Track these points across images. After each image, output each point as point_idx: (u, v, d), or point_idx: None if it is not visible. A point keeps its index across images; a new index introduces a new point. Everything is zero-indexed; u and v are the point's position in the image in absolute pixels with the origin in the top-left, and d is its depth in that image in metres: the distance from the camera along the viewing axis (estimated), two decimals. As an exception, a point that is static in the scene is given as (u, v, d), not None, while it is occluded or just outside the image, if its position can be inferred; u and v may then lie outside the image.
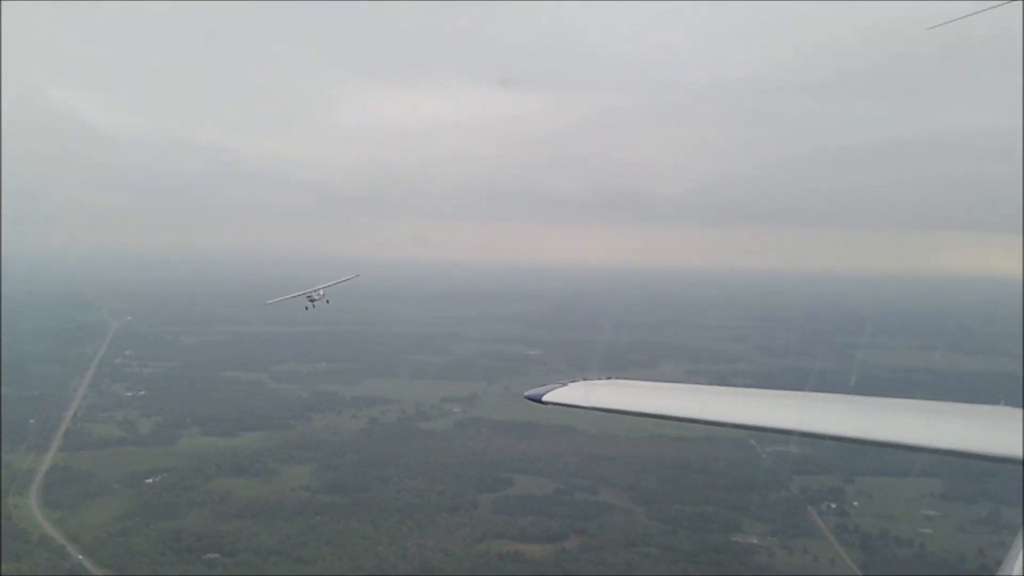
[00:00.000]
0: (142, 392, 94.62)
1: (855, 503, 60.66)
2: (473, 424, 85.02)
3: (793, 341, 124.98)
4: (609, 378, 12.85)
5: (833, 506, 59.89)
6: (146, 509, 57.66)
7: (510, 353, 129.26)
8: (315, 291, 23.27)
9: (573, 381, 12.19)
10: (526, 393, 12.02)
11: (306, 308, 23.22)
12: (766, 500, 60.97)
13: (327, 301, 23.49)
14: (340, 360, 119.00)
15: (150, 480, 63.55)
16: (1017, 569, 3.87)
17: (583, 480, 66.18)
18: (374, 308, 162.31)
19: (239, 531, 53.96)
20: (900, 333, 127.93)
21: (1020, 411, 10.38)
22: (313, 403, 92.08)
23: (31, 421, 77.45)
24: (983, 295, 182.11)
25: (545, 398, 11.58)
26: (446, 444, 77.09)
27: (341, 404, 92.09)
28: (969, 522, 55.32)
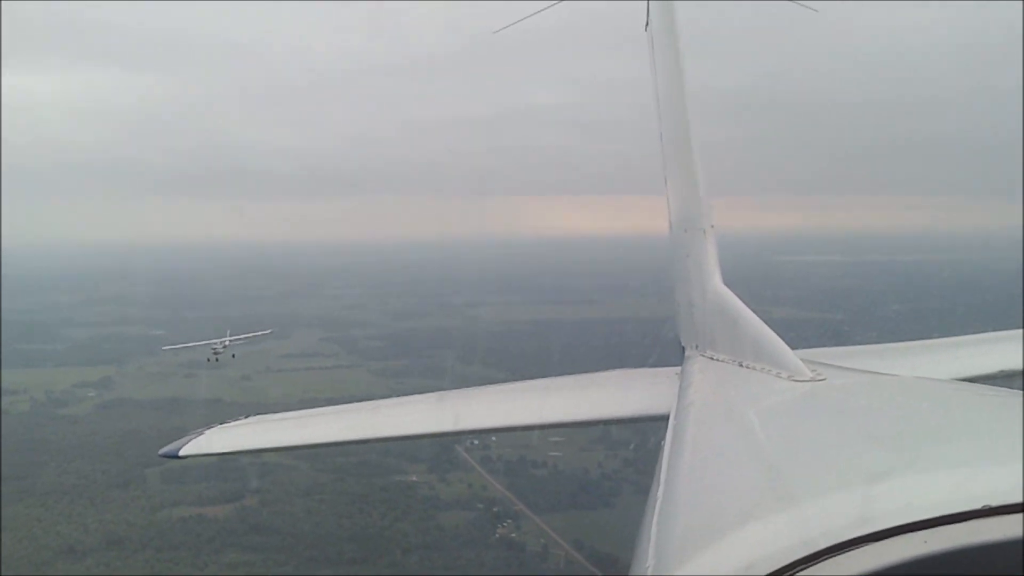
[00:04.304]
0: None
1: (491, 438, 68.87)
2: (116, 405, 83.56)
3: (411, 304, 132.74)
4: (247, 416, 12.55)
5: (476, 442, 67.66)
6: None
7: (133, 335, 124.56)
8: (220, 343, 22.52)
9: (208, 427, 11.75)
10: (160, 451, 11.66)
11: (208, 360, 22.59)
12: (418, 445, 67.10)
13: (233, 355, 22.70)
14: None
15: None
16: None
17: (244, 446, 68.80)
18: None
19: None
20: (506, 291, 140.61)
21: (642, 370, 11.96)
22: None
23: None
24: (568, 251, 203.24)
25: (183, 452, 11.16)
26: (93, 427, 75.58)
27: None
28: (587, 442, 64.46)
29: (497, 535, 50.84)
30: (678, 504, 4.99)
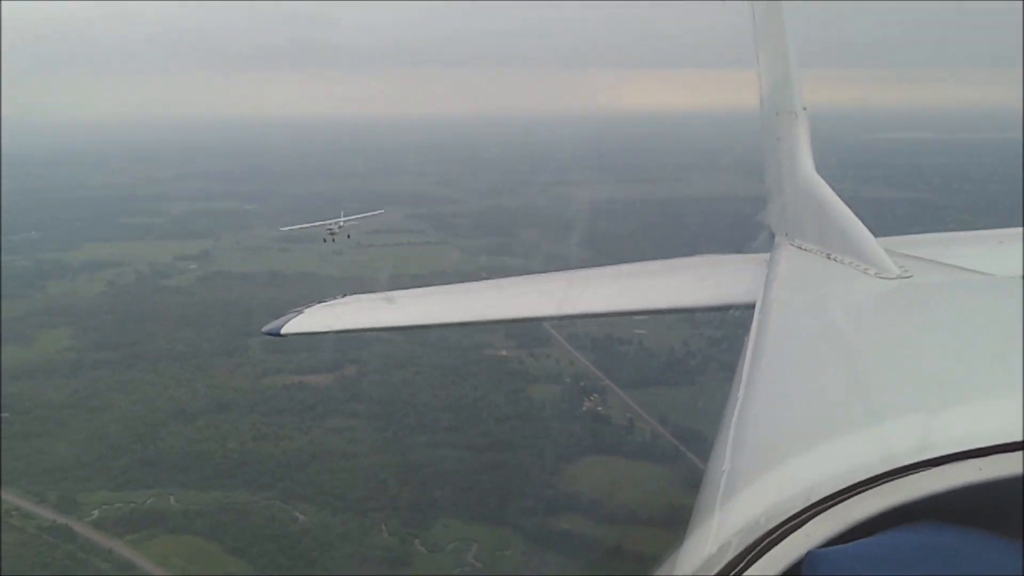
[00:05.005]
0: None
1: (579, 315, 70.05)
2: (215, 278, 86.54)
3: (497, 182, 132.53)
4: (344, 295, 12.75)
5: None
6: (-87, 381, 56.95)
7: (226, 209, 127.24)
8: (336, 223, 22.87)
9: (308, 306, 12.16)
10: (263, 328, 12.23)
11: (324, 240, 22.99)
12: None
13: (348, 236, 23.23)
14: (49, 227, 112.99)
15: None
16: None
17: (339, 318, 71.09)
18: (58, 173, 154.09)
19: (23, 392, 54.43)
20: (592, 169, 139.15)
21: (730, 256, 12.18)
22: (40, 272, 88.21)
23: None
24: (657, 128, 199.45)
25: (284, 330, 11.69)
26: (195, 298, 78.68)
27: (70, 270, 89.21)
28: (673, 321, 64.52)
29: (584, 408, 52.43)
30: (756, 410, 5.07)
